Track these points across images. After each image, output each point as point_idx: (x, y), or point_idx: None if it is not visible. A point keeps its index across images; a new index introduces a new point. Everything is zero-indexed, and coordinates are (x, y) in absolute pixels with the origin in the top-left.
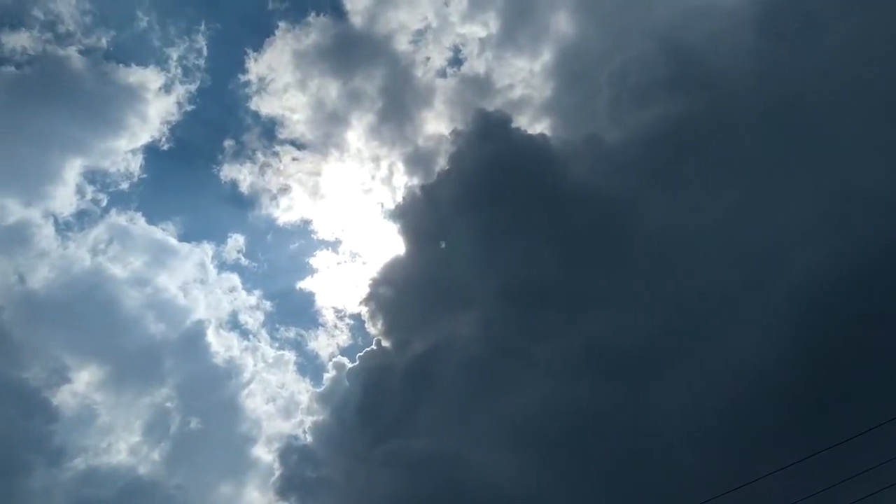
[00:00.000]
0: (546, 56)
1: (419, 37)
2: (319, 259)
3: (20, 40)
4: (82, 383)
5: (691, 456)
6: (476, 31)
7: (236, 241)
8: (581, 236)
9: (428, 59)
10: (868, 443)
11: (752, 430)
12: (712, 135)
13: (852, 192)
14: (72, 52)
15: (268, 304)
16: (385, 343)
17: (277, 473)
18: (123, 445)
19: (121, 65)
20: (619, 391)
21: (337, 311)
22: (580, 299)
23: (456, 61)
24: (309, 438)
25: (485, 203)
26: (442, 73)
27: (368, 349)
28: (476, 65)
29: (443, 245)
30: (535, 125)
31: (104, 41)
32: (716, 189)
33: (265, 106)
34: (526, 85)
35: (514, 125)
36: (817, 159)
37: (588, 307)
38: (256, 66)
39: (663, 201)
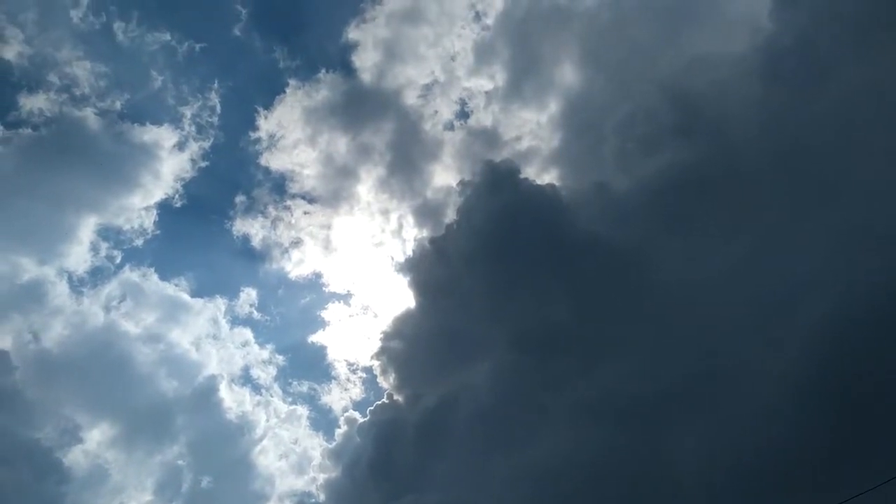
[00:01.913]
0: (552, 107)
1: (426, 91)
2: (331, 312)
3: (37, 102)
4: (94, 442)
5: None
6: (482, 84)
7: (248, 295)
8: (592, 285)
9: (436, 112)
10: (888, 493)
11: (767, 479)
12: (721, 182)
13: (863, 235)
14: (88, 112)
15: (280, 359)
16: (397, 397)
17: None
18: None
19: (136, 124)
20: (633, 440)
21: (349, 364)
22: (593, 348)
23: (463, 114)
24: (322, 496)
25: (495, 254)
26: (450, 126)
27: (379, 403)
28: (483, 117)
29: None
30: (544, 175)
31: (119, 101)
32: (726, 235)
33: (275, 161)
34: (533, 136)
35: (522, 176)
36: (827, 204)
37: (601, 356)
38: (267, 124)
39: (674, 248)
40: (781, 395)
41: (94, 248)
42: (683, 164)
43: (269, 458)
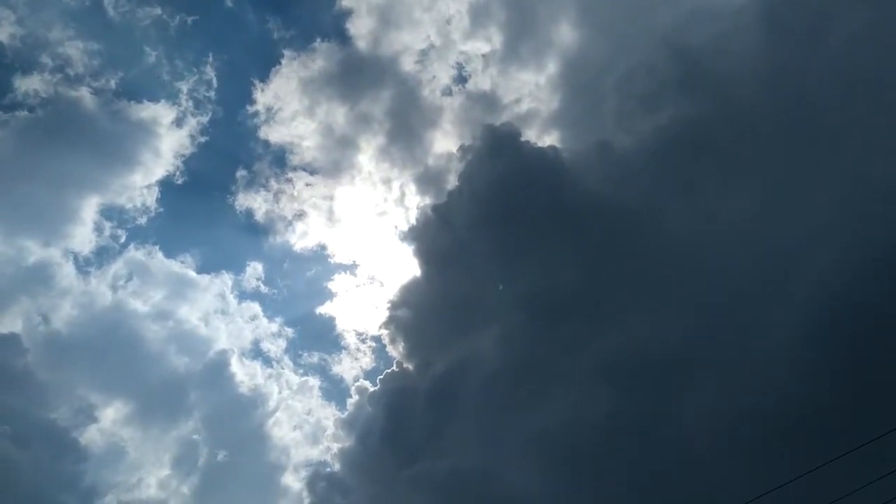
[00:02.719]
0: (551, 68)
1: (423, 57)
2: (338, 283)
3: (32, 84)
4: (109, 420)
5: (719, 463)
6: (479, 47)
7: (255, 269)
8: (598, 246)
9: (433, 78)
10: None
11: (779, 433)
12: (724, 136)
13: (869, 186)
14: (83, 92)
15: (289, 331)
16: (407, 365)
17: (306, 502)
18: (153, 480)
19: (132, 101)
20: (643, 401)
21: (358, 334)
22: (601, 310)
23: (461, 79)
24: (336, 465)
25: (498, 218)
26: (448, 92)
27: (388, 371)
28: (481, 81)
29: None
30: (545, 137)
31: (115, 79)
32: (732, 190)
33: (274, 134)
34: (532, 98)
35: (523, 139)
36: (832, 156)
37: (609, 317)
38: (263, 96)
39: (679, 206)
40: (791, 349)
41: (98, 228)
42: (686, 120)
43: (283, 430)
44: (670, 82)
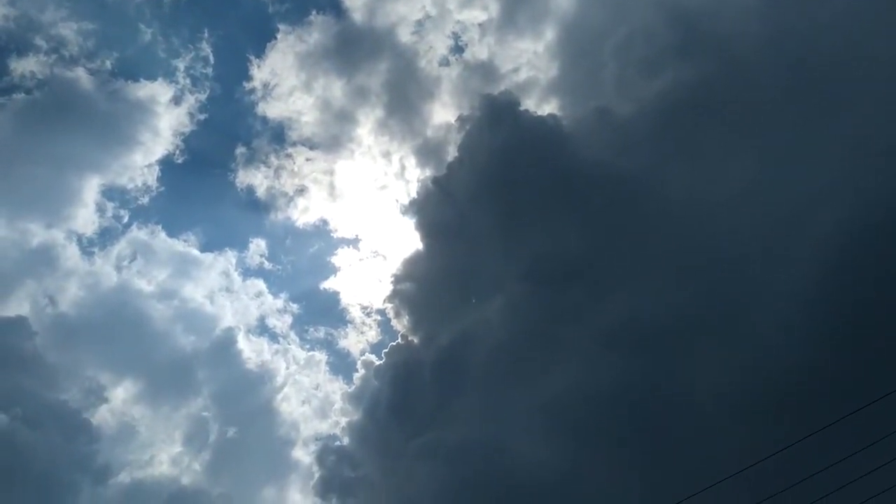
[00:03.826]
0: (548, 35)
1: (419, 27)
2: (341, 257)
3: (27, 65)
4: (119, 400)
5: (727, 427)
6: (476, 16)
7: (258, 245)
8: (601, 213)
9: (430, 48)
10: None
11: (786, 397)
12: (725, 100)
13: (871, 147)
14: (80, 72)
15: (295, 307)
16: (412, 338)
17: (317, 475)
18: (165, 457)
19: (129, 81)
20: (649, 367)
21: (363, 307)
22: (605, 278)
23: (458, 49)
24: (345, 439)
25: (499, 189)
26: (445, 62)
27: (393, 345)
28: (478, 51)
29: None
30: (544, 106)
31: (111, 58)
32: (733, 154)
33: (272, 110)
34: (531, 66)
35: (522, 108)
36: (833, 117)
37: (614, 285)
38: (260, 73)
39: (681, 171)
40: (796, 312)
41: (101, 209)
42: (686, 85)
43: (291, 405)
44: (669, 47)
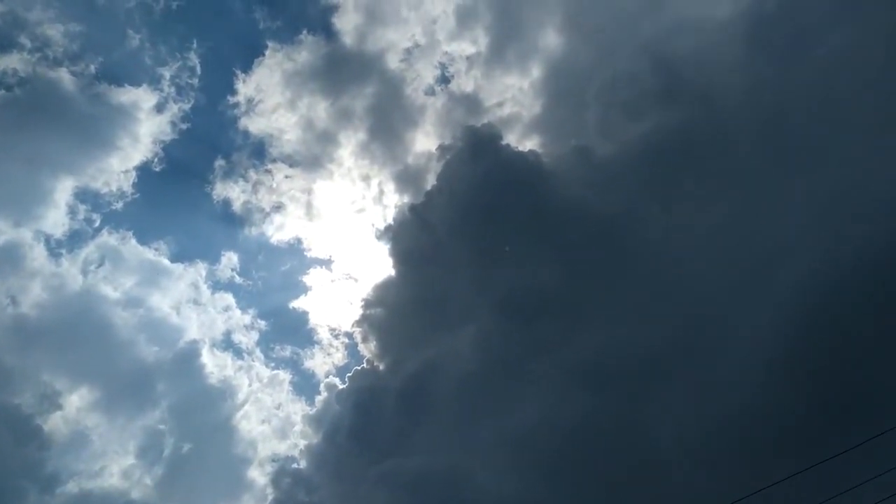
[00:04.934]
0: (534, 72)
1: (407, 55)
2: (313, 277)
3: (10, 62)
4: (73, 408)
5: (691, 469)
6: (464, 48)
7: (230, 259)
8: (576, 250)
9: (416, 77)
10: (870, 451)
11: (751, 442)
12: (704, 146)
13: (844, 201)
14: (63, 73)
15: (262, 323)
16: (378, 363)
17: (270, 497)
18: (116, 469)
19: (113, 85)
20: (617, 405)
21: (331, 329)
22: (576, 313)
23: (444, 79)
24: (303, 462)
25: (476, 220)
26: (430, 91)
27: (357, 369)
28: (464, 82)
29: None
30: (525, 142)
31: (95, 62)
32: (709, 200)
33: (254, 125)
34: (515, 102)
35: (503, 142)
36: (809, 169)
37: (585, 321)
38: (245, 88)
39: (657, 213)
40: (762, 360)
41: (72, 211)
42: (666, 130)
43: (251, 423)
44: (652, 92)
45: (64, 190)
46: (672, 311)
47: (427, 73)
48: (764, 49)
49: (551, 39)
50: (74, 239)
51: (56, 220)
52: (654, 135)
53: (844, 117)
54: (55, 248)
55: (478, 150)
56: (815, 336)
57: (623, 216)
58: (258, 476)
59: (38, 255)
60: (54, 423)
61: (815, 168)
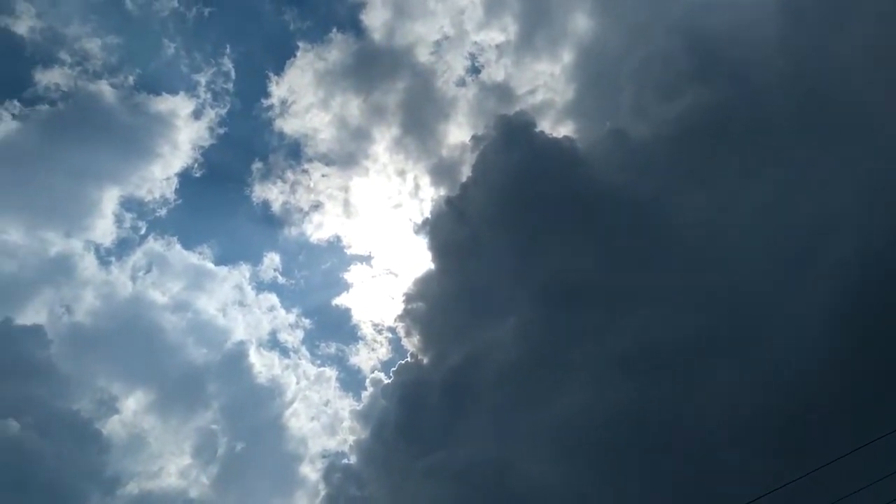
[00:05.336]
0: (565, 57)
1: (437, 48)
2: (354, 274)
3: (53, 77)
4: (129, 411)
5: (739, 452)
6: (493, 37)
7: (272, 260)
8: (614, 235)
9: (447, 69)
10: None
11: (798, 425)
12: (742, 124)
13: (889, 173)
14: (103, 85)
15: (307, 322)
16: (421, 357)
17: (322, 493)
18: (174, 469)
19: (151, 94)
20: (661, 390)
21: (375, 325)
22: (618, 299)
23: (474, 69)
24: (353, 457)
25: (513, 209)
26: (462, 83)
27: (401, 363)
28: (495, 72)
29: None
30: (559, 128)
31: (133, 73)
32: (749, 179)
33: (289, 126)
34: (547, 88)
35: (537, 129)
36: (849, 143)
37: (626, 307)
38: (278, 89)
39: (696, 195)
40: (807, 337)
41: (119, 220)
42: (702, 109)
43: (300, 421)
44: (686, 71)
45: (110, 199)
46: (714, 294)
47: (457, 65)
48: (800, 21)
49: (581, 23)
50: (122, 247)
51: (104, 229)
52: (690, 115)
53: (883, 89)
54: (104, 256)
55: (512, 139)
56: (861, 315)
57: (661, 199)
58: (310, 472)
59: (88, 265)
60: (112, 427)
61: (858, 142)
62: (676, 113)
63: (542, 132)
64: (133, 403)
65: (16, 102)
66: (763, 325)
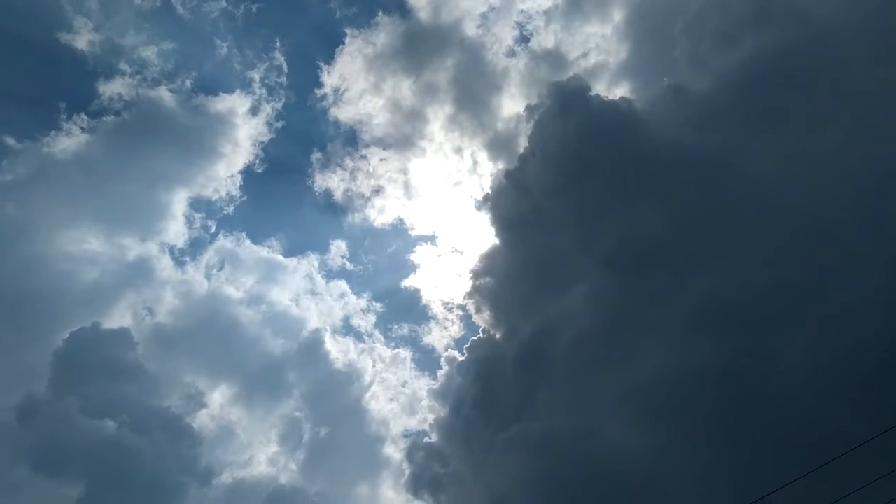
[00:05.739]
0: (616, 16)
1: (484, 20)
2: (419, 255)
3: (115, 88)
4: (216, 405)
5: (822, 403)
6: (540, 3)
7: (338, 247)
8: (680, 195)
9: (496, 41)
10: None
11: (877, 374)
12: (808, 69)
13: None
14: (162, 91)
15: (377, 306)
16: (494, 332)
17: (407, 473)
18: (263, 457)
19: (209, 95)
20: (737, 348)
21: (445, 303)
22: (688, 259)
23: (523, 38)
24: (434, 435)
25: (574, 177)
26: (511, 53)
27: (474, 340)
28: (544, 39)
29: None
30: (615, 90)
31: (190, 76)
32: (819, 125)
33: (344, 114)
34: (599, 50)
35: (592, 93)
36: None
37: (697, 266)
38: (330, 78)
39: (762, 147)
40: (887, 286)
41: (189, 221)
42: (765, 55)
43: (380, 403)
44: (746, 16)
45: (179, 201)
46: (786, 245)
47: (506, 35)
48: None
49: None
50: (195, 246)
51: (176, 230)
52: (751, 62)
53: None
54: (179, 257)
55: (567, 105)
56: None
57: (726, 153)
58: (393, 452)
59: (165, 266)
60: (202, 421)
61: None
62: (737, 61)
63: (597, 95)
64: (219, 397)
65: (83, 116)
66: (839, 276)
